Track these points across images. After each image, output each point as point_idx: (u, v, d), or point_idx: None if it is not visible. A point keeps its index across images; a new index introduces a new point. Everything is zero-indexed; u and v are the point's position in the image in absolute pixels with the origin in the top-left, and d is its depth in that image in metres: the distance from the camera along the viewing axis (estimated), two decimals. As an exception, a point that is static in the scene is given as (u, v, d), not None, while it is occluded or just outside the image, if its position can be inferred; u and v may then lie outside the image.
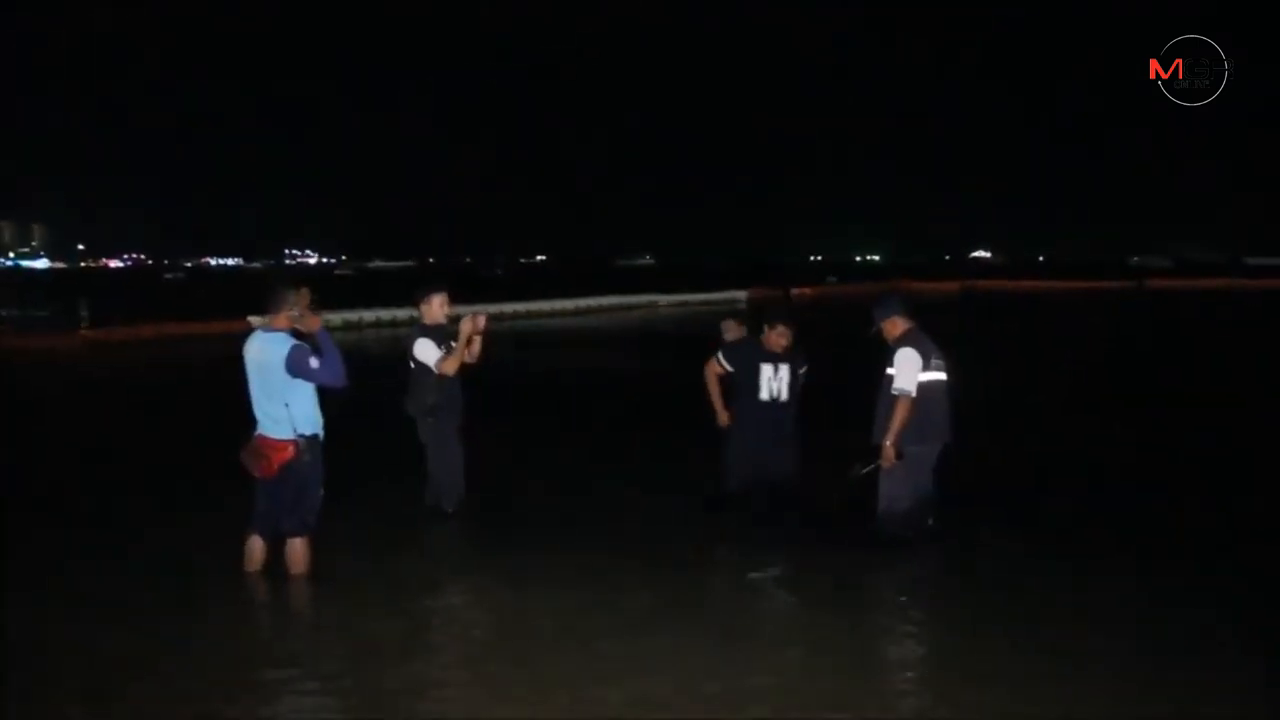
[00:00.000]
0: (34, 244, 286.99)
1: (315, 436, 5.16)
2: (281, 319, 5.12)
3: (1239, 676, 4.20)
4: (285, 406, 5.03)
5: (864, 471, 5.71)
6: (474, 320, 6.22)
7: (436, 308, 6.37)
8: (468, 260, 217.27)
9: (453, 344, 6.20)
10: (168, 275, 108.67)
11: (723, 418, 6.70)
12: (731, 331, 7.18)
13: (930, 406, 5.63)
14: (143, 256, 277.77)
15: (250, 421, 5.18)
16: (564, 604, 5.01)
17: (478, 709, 3.90)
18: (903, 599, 5.23)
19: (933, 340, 5.79)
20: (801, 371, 6.68)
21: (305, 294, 5.25)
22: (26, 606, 5.00)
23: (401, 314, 21.47)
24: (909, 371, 5.58)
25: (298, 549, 5.22)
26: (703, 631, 4.67)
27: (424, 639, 4.73)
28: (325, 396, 5.27)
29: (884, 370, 5.72)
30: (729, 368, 6.65)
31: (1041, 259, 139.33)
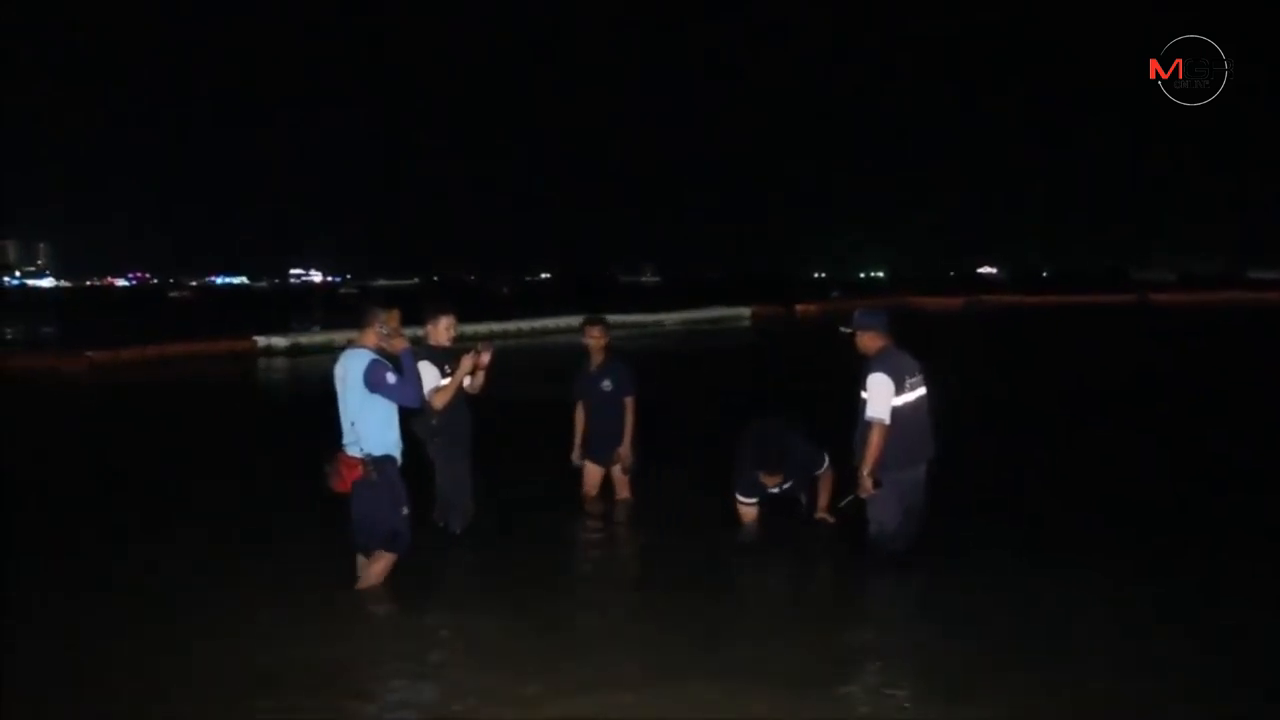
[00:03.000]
0: (39, 263, 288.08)
1: (386, 457, 5.17)
2: (369, 336, 5.24)
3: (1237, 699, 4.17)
4: (352, 425, 5.10)
5: (842, 505, 5.65)
6: (476, 357, 6.17)
7: (443, 330, 6.35)
8: (471, 278, 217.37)
9: (447, 368, 6.15)
10: (173, 294, 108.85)
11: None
12: (595, 339, 7.10)
13: (910, 429, 5.53)
14: (148, 275, 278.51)
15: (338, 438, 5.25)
16: (561, 624, 5.01)
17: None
18: (902, 614, 5.22)
19: (910, 355, 5.72)
20: (820, 472, 6.49)
21: (395, 314, 5.37)
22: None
23: (408, 333, 21.43)
24: (881, 398, 5.47)
25: (377, 563, 5.27)
26: (703, 651, 4.67)
27: (426, 657, 4.73)
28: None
29: (860, 392, 5.60)
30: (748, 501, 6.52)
31: (1045, 274, 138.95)
